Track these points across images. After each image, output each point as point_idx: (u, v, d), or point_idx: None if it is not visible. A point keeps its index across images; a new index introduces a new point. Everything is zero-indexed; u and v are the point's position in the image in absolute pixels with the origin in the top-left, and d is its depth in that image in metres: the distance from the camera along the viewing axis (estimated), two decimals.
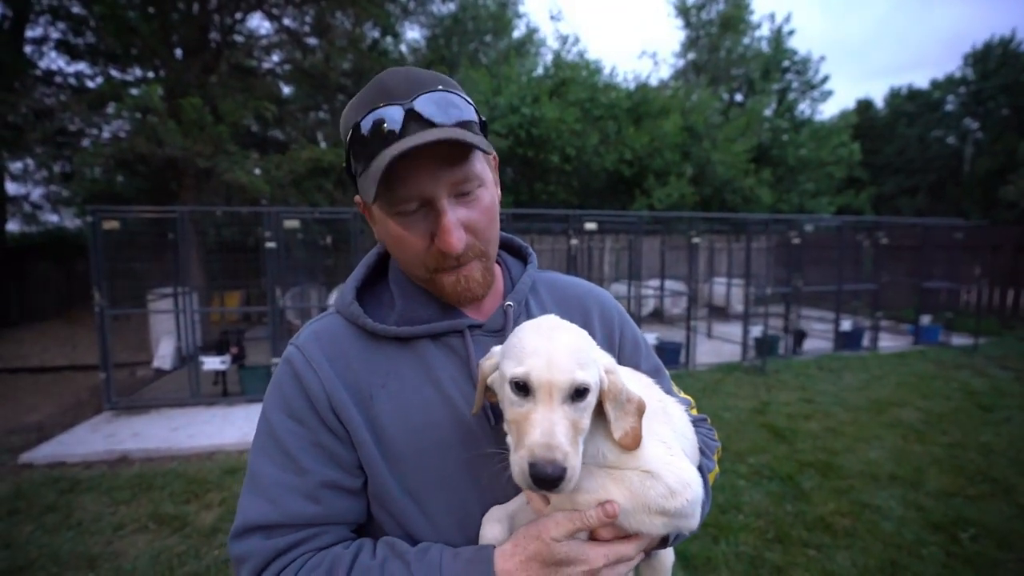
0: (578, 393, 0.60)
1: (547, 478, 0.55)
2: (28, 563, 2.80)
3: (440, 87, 0.69)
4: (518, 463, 0.57)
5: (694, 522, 0.65)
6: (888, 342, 8.55)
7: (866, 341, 8.21)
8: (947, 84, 22.96)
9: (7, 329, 10.28)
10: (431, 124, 0.66)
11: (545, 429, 0.57)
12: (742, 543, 2.96)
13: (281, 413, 0.72)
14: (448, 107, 0.67)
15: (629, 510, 0.62)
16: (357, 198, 0.76)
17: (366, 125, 0.66)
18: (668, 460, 0.65)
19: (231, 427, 4.75)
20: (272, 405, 0.74)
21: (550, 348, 0.61)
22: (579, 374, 0.59)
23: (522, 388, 0.60)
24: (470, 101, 0.71)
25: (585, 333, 0.66)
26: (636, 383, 0.71)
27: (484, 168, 0.74)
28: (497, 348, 0.68)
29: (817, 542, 2.98)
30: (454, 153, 0.67)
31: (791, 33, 18.52)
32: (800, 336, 7.90)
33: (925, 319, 8.63)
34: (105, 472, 3.92)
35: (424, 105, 0.66)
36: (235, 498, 3.49)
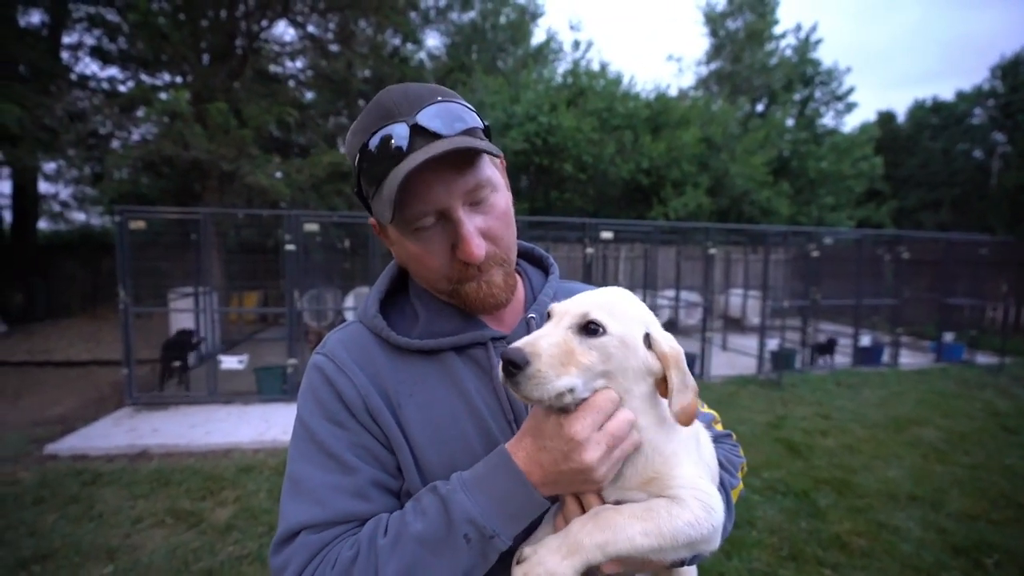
0: (589, 328, 0.61)
1: (506, 357, 0.57)
2: (52, 551, 2.88)
3: (440, 98, 0.69)
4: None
5: (715, 544, 0.64)
6: (908, 359, 8.36)
7: (886, 357, 8.05)
8: (974, 96, 22.46)
9: (35, 324, 10.57)
10: (437, 136, 0.66)
11: (530, 338, 0.60)
12: (755, 559, 2.93)
13: (319, 418, 0.71)
14: (451, 118, 0.68)
15: (657, 547, 0.60)
16: (372, 220, 0.76)
17: (374, 145, 0.67)
18: (696, 483, 0.64)
19: (247, 426, 4.83)
20: (308, 412, 0.73)
21: (586, 293, 0.65)
22: (595, 310, 0.61)
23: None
24: (471, 108, 0.72)
25: (642, 305, 0.67)
26: None
27: (494, 172, 0.74)
28: None
29: (832, 561, 2.93)
30: (464, 161, 0.68)
31: (818, 42, 18.34)
32: (831, 345, 7.73)
33: (948, 336, 8.43)
34: (125, 466, 4.01)
35: (428, 119, 0.66)
36: (249, 496, 3.55)
